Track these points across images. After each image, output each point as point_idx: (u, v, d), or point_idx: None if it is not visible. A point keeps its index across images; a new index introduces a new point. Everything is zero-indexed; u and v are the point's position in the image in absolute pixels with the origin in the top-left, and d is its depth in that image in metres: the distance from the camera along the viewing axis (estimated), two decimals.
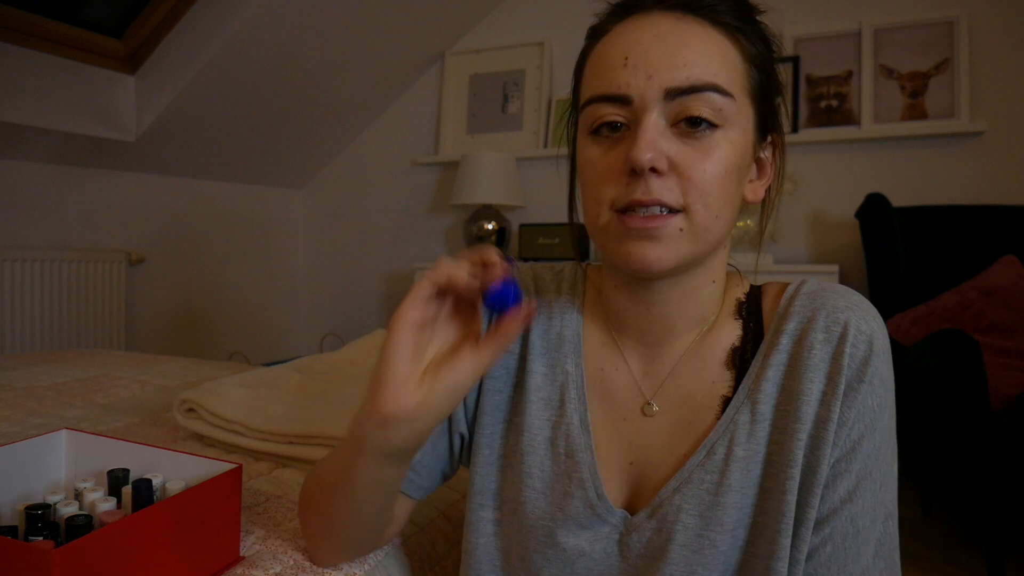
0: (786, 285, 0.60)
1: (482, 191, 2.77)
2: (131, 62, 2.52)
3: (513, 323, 0.53)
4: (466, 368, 0.52)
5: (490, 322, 0.57)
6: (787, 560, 0.53)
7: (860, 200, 2.24)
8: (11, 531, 0.56)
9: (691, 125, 0.52)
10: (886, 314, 2.03)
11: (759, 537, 0.54)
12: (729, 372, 0.58)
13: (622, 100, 0.52)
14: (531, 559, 0.60)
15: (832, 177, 2.55)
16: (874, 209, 2.18)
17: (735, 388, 0.57)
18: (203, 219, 3.02)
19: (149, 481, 0.62)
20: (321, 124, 3.18)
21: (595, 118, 0.54)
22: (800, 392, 0.54)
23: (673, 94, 0.51)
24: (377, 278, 3.39)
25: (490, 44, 3.10)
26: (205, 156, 2.89)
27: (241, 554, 0.67)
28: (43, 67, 2.26)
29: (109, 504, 0.60)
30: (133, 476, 0.66)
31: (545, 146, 2.93)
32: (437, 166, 3.23)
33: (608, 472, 0.59)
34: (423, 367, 0.53)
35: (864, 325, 0.54)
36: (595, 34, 0.58)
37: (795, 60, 2.57)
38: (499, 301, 0.52)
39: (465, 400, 0.64)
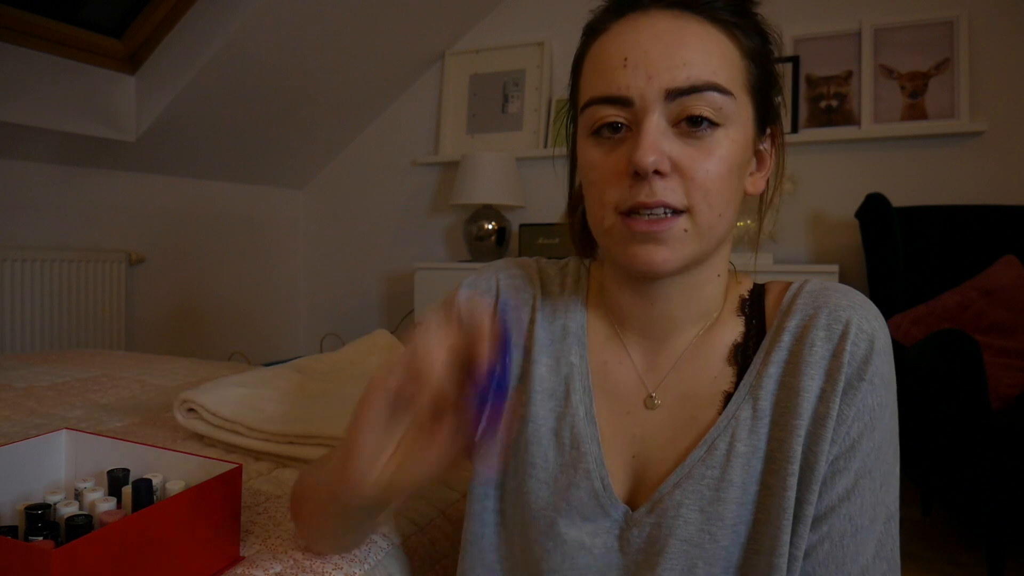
0: (789, 284, 0.61)
1: (482, 191, 2.77)
2: (131, 62, 2.51)
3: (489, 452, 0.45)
4: (435, 460, 0.47)
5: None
6: (788, 556, 0.54)
7: (860, 200, 2.24)
8: (11, 531, 0.56)
9: (692, 125, 0.52)
10: (886, 314, 2.03)
11: (761, 533, 0.54)
12: (731, 368, 0.58)
13: (622, 102, 0.52)
14: (531, 550, 0.60)
15: (832, 177, 2.55)
16: (874, 209, 2.18)
17: (737, 384, 0.58)
18: (203, 219, 3.02)
19: (149, 481, 0.62)
20: (321, 124, 3.18)
21: (595, 119, 0.54)
22: (800, 388, 0.54)
23: (674, 94, 0.51)
24: (377, 278, 3.39)
25: (490, 44, 3.10)
26: (205, 156, 2.89)
27: (241, 554, 0.67)
28: (43, 67, 2.26)
29: (109, 504, 0.60)
30: (133, 476, 0.66)
31: (545, 146, 2.93)
32: (437, 166, 3.23)
33: (611, 464, 0.59)
34: (395, 443, 0.48)
35: (866, 324, 0.54)
36: (592, 32, 0.57)
37: (795, 60, 2.57)
38: (483, 399, 0.44)
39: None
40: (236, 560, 0.66)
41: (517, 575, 0.62)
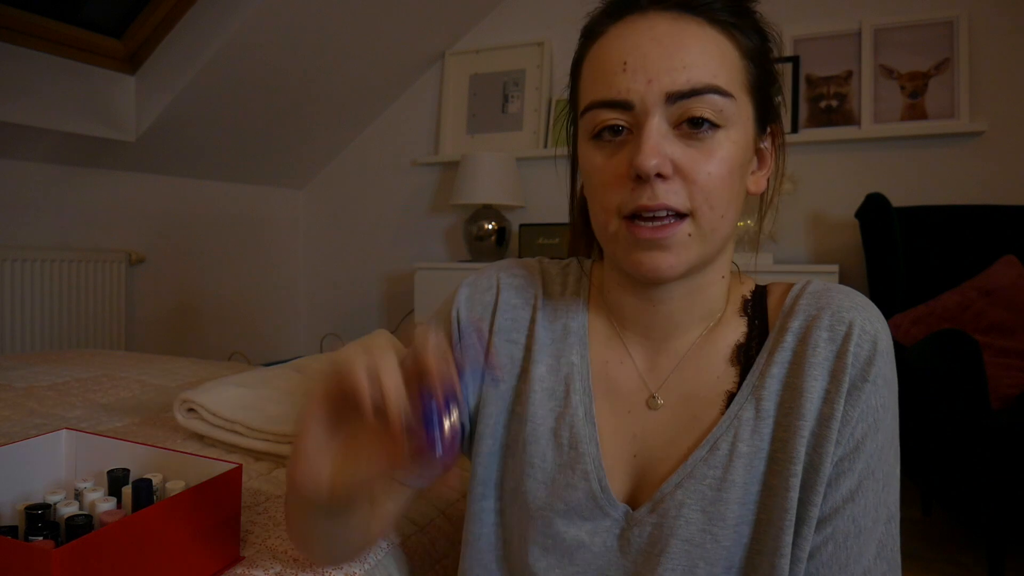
0: (791, 285, 0.61)
1: (482, 191, 2.77)
2: (131, 62, 2.51)
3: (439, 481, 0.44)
4: (384, 459, 0.46)
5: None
6: (791, 558, 0.54)
7: (860, 200, 2.24)
8: (11, 531, 0.56)
9: (693, 127, 0.52)
10: (886, 314, 2.02)
11: (763, 534, 0.54)
12: (734, 368, 0.58)
13: (623, 105, 0.52)
14: (529, 549, 0.60)
15: (832, 177, 2.55)
16: (874, 209, 2.18)
17: (739, 384, 0.58)
18: (203, 219, 3.02)
19: (149, 481, 0.62)
20: (321, 124, 3.18)
21: (596, 123, 0.54)
22: (803, 389, 0.54)
23: (674, 97, 0.51)
24: (377, 278, 3.39)
25: (490, 44, 3.10)
26: (205, 156, 2.89)
27: (241, 554, 0.67)
28: (43, 67, 2.26)
29: (109, 504, 0.60)
30: (133, 476, 0.66)
31: (545, 146, 2.93)
32: (437, 166, 3.23)
33: (611, 464, 0.59)
34: (337, 442, 0.48)
35: (869, 325, 0.55)
36: (590, 35, 0.57)
37: (795, 60, 2.57)
38: (426, 431, 0.43)
39: (467, 390, 0.64)
40: (236, 560, 0.66)
41: (516, 574, 0.62)
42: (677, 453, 0.58)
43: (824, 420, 0.54)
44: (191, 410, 1.04)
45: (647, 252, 0.53)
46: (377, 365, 0.44)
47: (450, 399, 0.44)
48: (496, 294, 0.65)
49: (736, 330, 0.60)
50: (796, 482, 0.53)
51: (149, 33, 2.45)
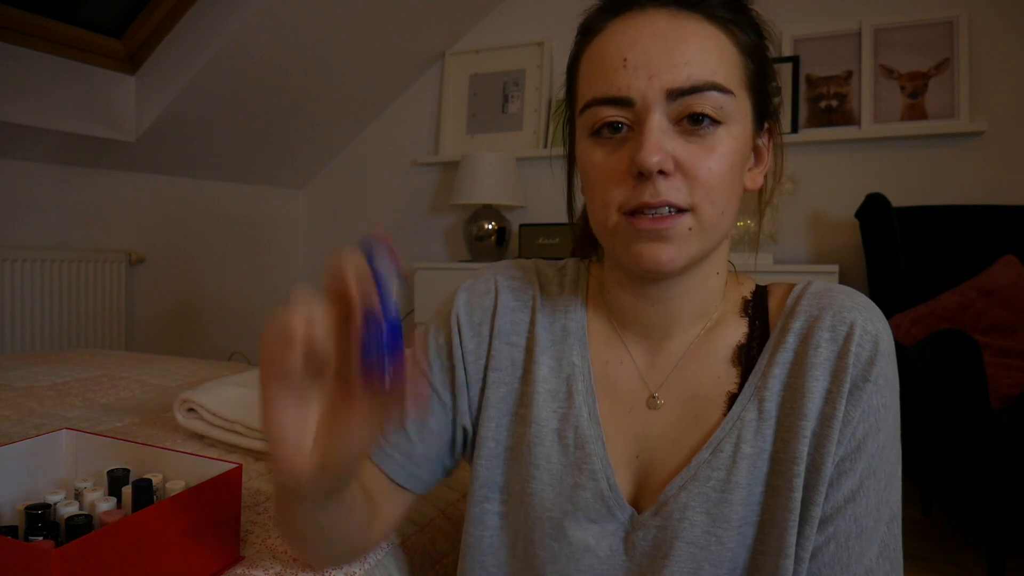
0: (792, 285, 0.61)
1: (482, 191, 2.77)
2: (131, 62, 2.51)
3: (399, 387, 0.41)
4: (361, 433, 0.44)
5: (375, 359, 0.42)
6: (794, 558, 0.54)
7: (860, 200, 2.24)
8: (11, 531, 0.56)
9: (694, 123, 0.52)
10: (886, 314, 2.01)
11: (767, 535, 0.54)
12: (735, 369, 0.58)
13: (623, 102, 0.52)
14: (535, 553, 0.60)
15: (832, 177, 2.55)
16: (874, 209, 2.18)
17: (741, 385, 0.57)
18: (203, 219, 3.02)
19: (149, 481, 0.62)
20: (321, 124, 3.18)
21: (596, 120, 0.54)
22: (805, 389, 0.54)
23: (675, 94, 0.51)
24: None
25: (490, 44, 3.10)
26: (205, 156, 2.89)
27: (241, 554, 0.67)
28: (43, 67, 2.26)
29: (109, 504, 0.60)
30: (133, 476, 0.66)
31: (545, 146, 2.93)
32: (437, 166, 3.23)
33: (616, 464, 0.59)
34: (307, 417, 0.44)
35: (870, 326, 0.55)
36: (587, 32, 0.57)
37: (795, 60, 2.57)
38: (369, 359, 0.40)
39: (469, 392, 0.64)
40: (236, 560, 0.66)
41: None
42: (679, 454, 0.58)
43: (826, 420, 0.54)
44: (191, 410, 1.04)
45: (648, 244, 0.52)
46: (297, 317, 0.41)
47: (378, 317, 0.40)
48: (495, 297, 0.65)
49: (736, 330, 0.60)
50: (799, 482, 0.53)
51: (149, 33, 2.45)
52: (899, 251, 2.13)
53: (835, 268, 2.29)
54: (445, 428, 0.64)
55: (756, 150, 0.59)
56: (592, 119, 0.54)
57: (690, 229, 0.52)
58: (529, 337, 0.64)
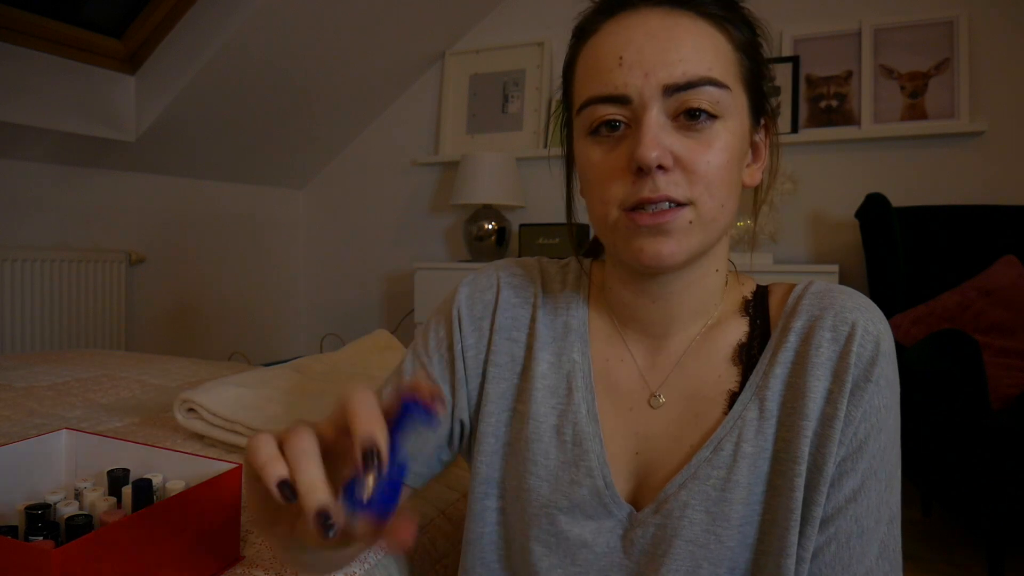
0: (793, 285, 0.61)
1: (482, 191, 2.77)
2: (131, 62, 2.51)
3: (385, 542, 0.36)
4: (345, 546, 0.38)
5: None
6: (795, 558, 0.54)
7: (860, 200, 2.24)
8: (11, 531, 0.56)
9: (690, 118, 0.52)
10: (886, 314, 2.01)
11: (767, 534, 0.55)
12: (736, 368, 0.59)
13: (621, 100, 0.52)
14: (532, 548, 0.60)
15: (832, 177, 2.55)
16: (874, 209, 2.18)
17: (742, 384, 0.58)
18: (203, 219, 3.02)
19: (149, 481, 0.62)
20: (321, 124, 3.18)
21: (593, 119, 0.54)
22: (807, 389, 0.54)
23: (671, 90, 0.51)
24: (377, 278, 3.39)
25: (490, 44, 3.10)
26: (205, 156, 2.89)
27: (241, 554, 0.67)
28: (43, 67, 2.26)
29: (109, 504, 0.60)
30: (133, 476, 0.66)
31: (545, 146, 2.93)
32: (437, 166, 3.23)
33: (614, 462, 0.59)
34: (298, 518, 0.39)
35: (871, 326, 0.55)
36: (582, 34, 0.57)
37: (795, 60, 2.57)
38: (355, 505, 0.36)
39: (468, 386, 0.64)
40: (236, 560, 0.66)
41: (517, 574, 0.62)
42: (680, 452, 0.58)
43: (827, 420, 0.54)
44: (191, 410, 1.04)
45: (649, 239, 0.53)
46: (289, 454, 0.36)
47: (376, 466, 0.36)
48: (496, 293, 0.65)
49: (737, 330, 0.60)
50: (800, 482, 0.54)
51: (149, 33, 2.45)
52: (899, 251, 2.13)
53: (835, 268, 2.29)
54: (443, 421, 0.65)
55: (754, 147, 0.59)
56: (590, 118, 0.54)
57: (690, 223, 0.52)
58: (530, 333, 0.64)
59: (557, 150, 0.66)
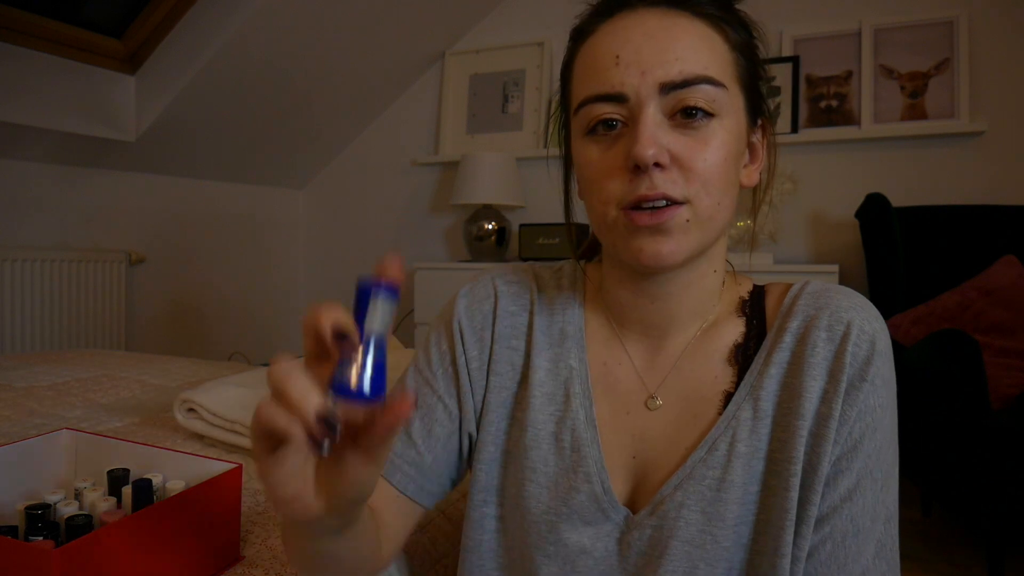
0: (790, 285, 0.61)
1: (482, 191, 2.77)
2: (131, 62, 2.51)
3: (385, 418, 0.37)
4: (361, 475, 0.40)
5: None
6: (791, 557, 0.54)
7: (860, 200, 2.24)
8: (11, 531, 0.56)
9: (687, 116, 0.52)
10: (886, 314, 2.03)
11: (762, 534, 0.55)
12: (732, 368, 0.59)
13: (617, 98, 0.53)
14: (531, 556, 0.60)
15: (832, 177, 2.55)
16: (874, 209, 2.18)
17: (737, 384, 0.58)
18: (203, 219, 3.02)
19: (149, 481, 0.62)
20: (321, 124, 3.18)
21: (591, 118, 0.54)
22: (802, 389, 0.54)
23: (667, 88, 0.52)
24: None
25: (490, 44, 3.10)
26: (205, 156, 2.89)
27: (241, 554, 0.67)
28: (43, 67, 2.26)
29: (109, 504, 0.60)
30: (133, 476, 0.66)
31: (545, 146, 2.93)
32: (437, 166, 3.23)
33: (612, 466, 0.59)
34: (312, 476, 0.40)
35: (867, 325, 0.55)
36: (580, 36, 0.58)
37: (795, 60, 2.57)
38: (344, 393, 0.37)
39: (473, 398, 0.64)
40: (236, 560, 0.66)
41: None
42: (676, 453, 0.58)
43: (822, 420, 0.54)
44: (191, 410, 1.04)
45: (647, 238, 0.53)
46: (280, 385, 0.37)
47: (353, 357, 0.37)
48: (495, 302, 0.65)
49: (734, 330, 0.60)
50: (796, 482, 0.54)
51: (149, 33, 2.45)
52: (899, 251, 2.13)
53: (835, 268, 2.29)
54: (452, 435, 0.64)
55: (751, 147, 0.59)
56: (587, 117, 0.55)
57: (687, 221, 0.53)
58: (527, 340, 0.64)
59: (556, 151, 0.66)
